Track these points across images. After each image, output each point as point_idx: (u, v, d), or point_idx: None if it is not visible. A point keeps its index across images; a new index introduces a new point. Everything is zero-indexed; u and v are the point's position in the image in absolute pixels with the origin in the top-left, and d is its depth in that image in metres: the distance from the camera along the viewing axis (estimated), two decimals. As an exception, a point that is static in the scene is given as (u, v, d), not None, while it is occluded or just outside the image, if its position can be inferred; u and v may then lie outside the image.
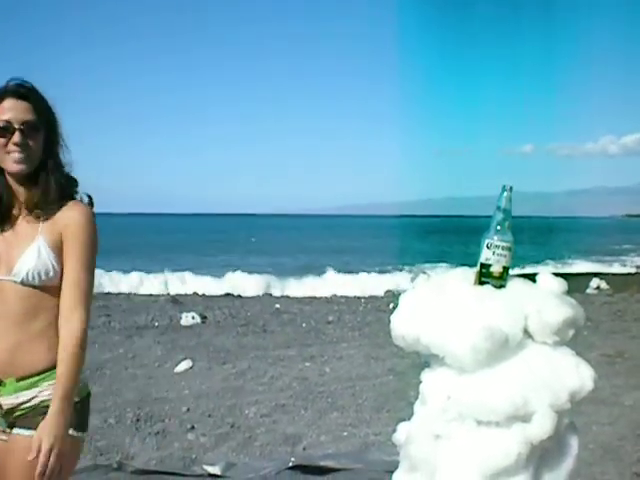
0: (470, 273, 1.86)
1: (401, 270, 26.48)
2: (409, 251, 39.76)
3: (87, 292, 1.93)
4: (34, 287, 1.89)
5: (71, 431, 1.90)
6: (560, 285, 1.84)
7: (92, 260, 1.95)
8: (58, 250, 1.90)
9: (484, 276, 1.81)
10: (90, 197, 2.01)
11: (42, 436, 1.78)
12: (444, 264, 26.48)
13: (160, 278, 20.93)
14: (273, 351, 7.90)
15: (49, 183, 1.92)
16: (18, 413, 1.89)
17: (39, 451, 1.76)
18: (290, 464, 4.17)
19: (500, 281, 1.80)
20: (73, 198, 1.98)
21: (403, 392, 5.42)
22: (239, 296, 15.61)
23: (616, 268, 29.28)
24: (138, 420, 5.19)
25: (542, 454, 1.69)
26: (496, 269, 1.80)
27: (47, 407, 1.85)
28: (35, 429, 1.84)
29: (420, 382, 1.83)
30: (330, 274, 23.01)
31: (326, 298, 14.71)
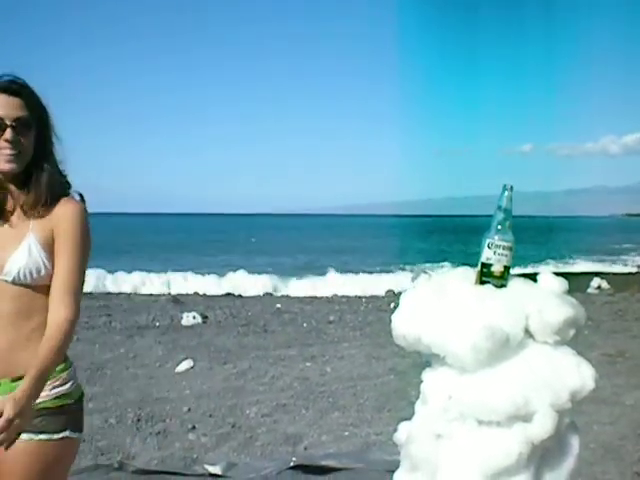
0: (471, 273, 1.86)
1: (402, 270, 26.49)
2: (409, 251, 39.77)
3: (77, 288, 1.88)
4: (26, 286, 1.86)
5: (68, 432, 1.90)
6: (561, 285, 1.84)
7: (84, 257, 1.91)
8: (49, 247, 1.87)
9: (485, 276, 1.81)
10: (81, 195, 1.98)
11: (7, 404, 1.66)
12: (446, 264, 26.47)
13: (161, 278, 20.95)
14: (274, 351, 7.90)
15: (41, 181, 1.89)
16: None
17: None
18: (291, 464, 4.17)
19: (501, 281, 1.80)
20: (65, 195, 1.95)
21: (404, 392, 5.42)
22: (240, 296, 15.63)
23: (617, 267, 29.30)
24: (139, 420, 5.20)
25: (543, 454, 1.69)
26: (497, 269, 1.80)
27: (43, 409, 1.84)
28: (31, 431, 1.82)
29: (421, 382, 1.83)
30: (331, 274, 23.02)
31: (327, 298, 14.72)
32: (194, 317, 10.01)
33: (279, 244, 49.29)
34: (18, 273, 1.84)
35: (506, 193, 1.82)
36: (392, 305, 10.95)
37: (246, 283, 20.34)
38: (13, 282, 1.85)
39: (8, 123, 1.84)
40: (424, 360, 1.86)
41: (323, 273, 23.36)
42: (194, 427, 5.07)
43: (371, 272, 24.04)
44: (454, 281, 1.86)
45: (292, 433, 4.98)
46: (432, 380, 1.79)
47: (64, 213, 1.90)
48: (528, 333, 1.73)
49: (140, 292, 17.25)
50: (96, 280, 18.26)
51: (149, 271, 21.72)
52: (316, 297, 14.91)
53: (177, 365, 7.03)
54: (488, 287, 1.80)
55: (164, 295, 15.13)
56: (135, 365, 7.08)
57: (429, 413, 1.77)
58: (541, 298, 1.76)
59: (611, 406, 5.48)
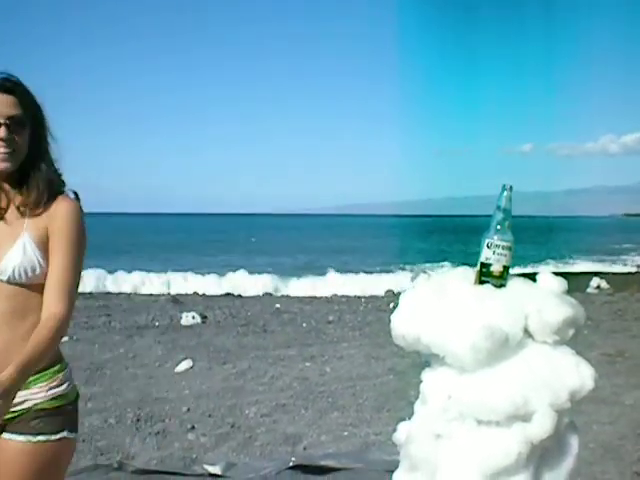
0: (470, 272, 1.86)
1: (402, 270, 26.50)
2: (409, 251, 39.77)
3: (72, 286, 1.86)
4: (21, 285, 1.84)
5: (66, 433, 1.89)
6: (560, 284, 1.84)
7: (79, 255, 1.89)
8: (44, 246, 1.86)
9: (484, 275, 1.81)
10: (76, 193, 1.97)
11: None
12: (446, 264, 26.47)
13: (161, 278, 20.96)
14: (273, 351, 7.90)
15: (37, 180, 1.88)
16: (9, 416, 1.81)
17: None
18: (290, 464, 4.17)
19: (500, 280, 1.80)
20: (60, 194, 1.93)
21: (403, 392, 5.42)
22: (239, 296, 15.63)
23: (617, 267, 29.30)
24: (138, 420, 5.19)
25: (542, 453, 1.69)
26: (496, 268, 1.80)
27: (40, 410, 1.84)
28: (28, 433, 1.82)
29: (420, 381, 1.83)
30: (331, 274, 23.03)
31: (326, 298, 14.72)
32: (193, 317, 10.01)
33: (279, 244, 49.29)
34: (13, 272, 1.82)
35: (505, 193, 1.82)
36: (391, 305, 10.96)
37: (246, 283, 20.35)
38: (8, 281, 1.84)
39: (2, 121, 1.82)
40: (423, 360, 1.86)
41: (323, 273, 23.36)
42: (193, 427, 5.07)
43: (371, 272, 24.04)
44: (454, 281, 1.86)
45: (291, 433, 4.98)
46: (431, 380, 1.79)
47: (59, 211, 1.89)
48: (527, 333, 1.73)
49: (140, 292, 17.26)
50: (96, 280, 18.27)
51: (149, 271, 21.72)
52: (316, 297, 14.91)
53: (176, 365, 7.03)
54: (487, 287, 1.80)
55: (164, 295, 15.14)
56: (134, 365, 7.08)
57: (428, 413, 1.76)
58: (540, 298, 1.76)
59: (610, 406, 5.48)
